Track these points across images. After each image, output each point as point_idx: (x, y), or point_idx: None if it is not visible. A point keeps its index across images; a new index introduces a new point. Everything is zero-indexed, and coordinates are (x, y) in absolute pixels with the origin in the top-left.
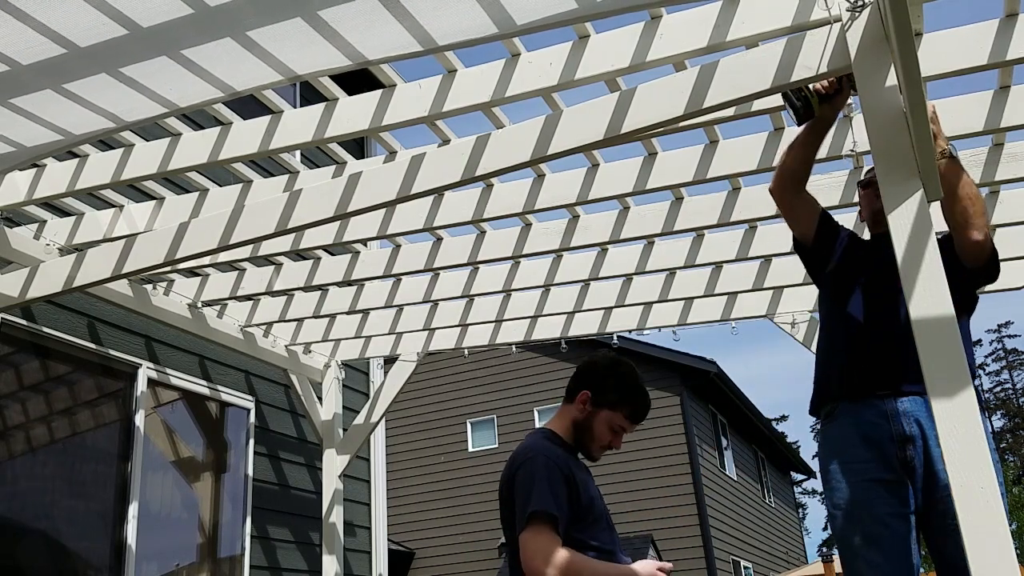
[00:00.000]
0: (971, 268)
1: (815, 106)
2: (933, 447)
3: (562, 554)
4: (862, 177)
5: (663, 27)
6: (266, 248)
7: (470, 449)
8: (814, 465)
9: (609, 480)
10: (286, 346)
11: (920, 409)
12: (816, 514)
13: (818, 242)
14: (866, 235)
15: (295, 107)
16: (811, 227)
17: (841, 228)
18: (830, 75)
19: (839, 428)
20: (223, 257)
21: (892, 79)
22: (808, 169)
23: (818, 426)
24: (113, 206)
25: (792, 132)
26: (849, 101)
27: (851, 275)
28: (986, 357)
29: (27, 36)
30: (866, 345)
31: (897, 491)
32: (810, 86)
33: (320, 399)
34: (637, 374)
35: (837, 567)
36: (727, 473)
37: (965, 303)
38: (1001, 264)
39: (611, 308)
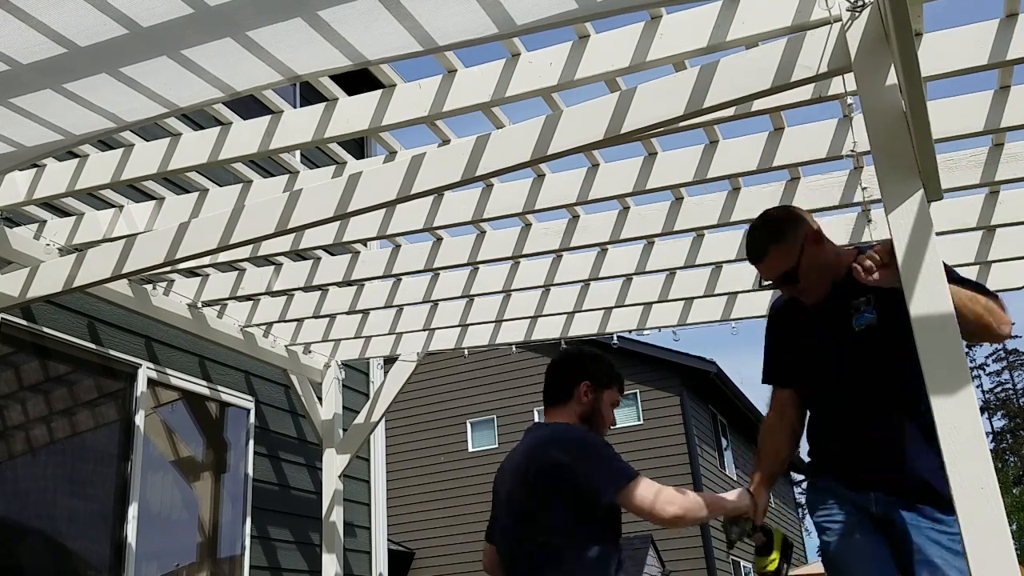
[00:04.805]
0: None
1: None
2: (916, 539)
3: (673, 491)
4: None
5: (663, 27)
6: (266, 248)
7: (470, 449)
8: None
9: None
10: (286, 346)
11: (893, 508)
12: None
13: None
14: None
15: (295, 107)
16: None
17: (777, 324)
18: (830, 75)
19: (824, 486)
20: (223, 257)
21: (892, 79)
22: None
23: None
24: (113, 206)
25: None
26: (850, 101)
27: (805, 356)
28: (986, 357)
29: (27, 36)
30: (836, 443)
31: (879, 550)
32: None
33: (320, 399)
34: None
35: None
36: (727, 473)
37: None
38: (1001, 264)
39: (611, 308)
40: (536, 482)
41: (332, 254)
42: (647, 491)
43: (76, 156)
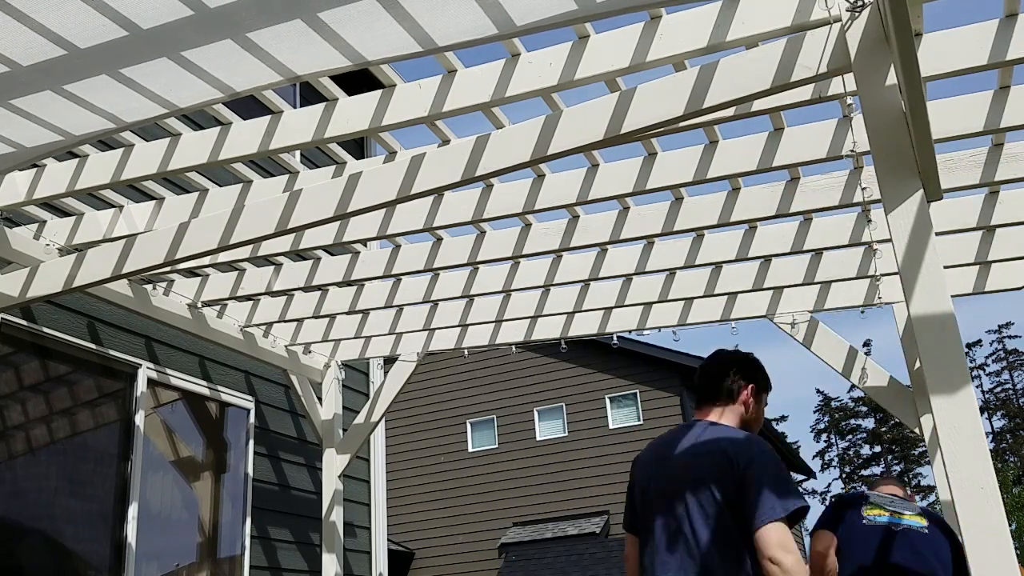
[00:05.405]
0: None
1: None
2: None
3: (796, 550)
4: None
5: (663, 27)
6: (266, 248)
7: (470, 449)
8: (814, 465)
9: (609, 480)
10: (286, 346)
11: None
12: (816, 514)
13: None
14: None
15: (295, 107)
16: None
17: None
18: (830, 75)
19: None
20: (223, 257)
21: (892, 79)
22: None
23: (819, 426)
24: (113, 206)
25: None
26: (849, 101)
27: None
28: (986, 357)
29: (27, 37)
30: None
31: None
32: None
33: (320, 399)
34: None
35: None
36: None
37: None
38: (1001, 264)
39: (611, 308)
40: None
41: (332, 254)
42: (782, 534)
43: (76, 156)
